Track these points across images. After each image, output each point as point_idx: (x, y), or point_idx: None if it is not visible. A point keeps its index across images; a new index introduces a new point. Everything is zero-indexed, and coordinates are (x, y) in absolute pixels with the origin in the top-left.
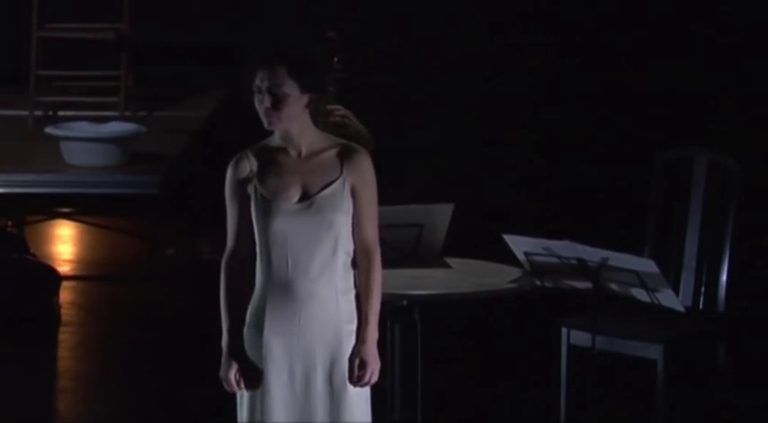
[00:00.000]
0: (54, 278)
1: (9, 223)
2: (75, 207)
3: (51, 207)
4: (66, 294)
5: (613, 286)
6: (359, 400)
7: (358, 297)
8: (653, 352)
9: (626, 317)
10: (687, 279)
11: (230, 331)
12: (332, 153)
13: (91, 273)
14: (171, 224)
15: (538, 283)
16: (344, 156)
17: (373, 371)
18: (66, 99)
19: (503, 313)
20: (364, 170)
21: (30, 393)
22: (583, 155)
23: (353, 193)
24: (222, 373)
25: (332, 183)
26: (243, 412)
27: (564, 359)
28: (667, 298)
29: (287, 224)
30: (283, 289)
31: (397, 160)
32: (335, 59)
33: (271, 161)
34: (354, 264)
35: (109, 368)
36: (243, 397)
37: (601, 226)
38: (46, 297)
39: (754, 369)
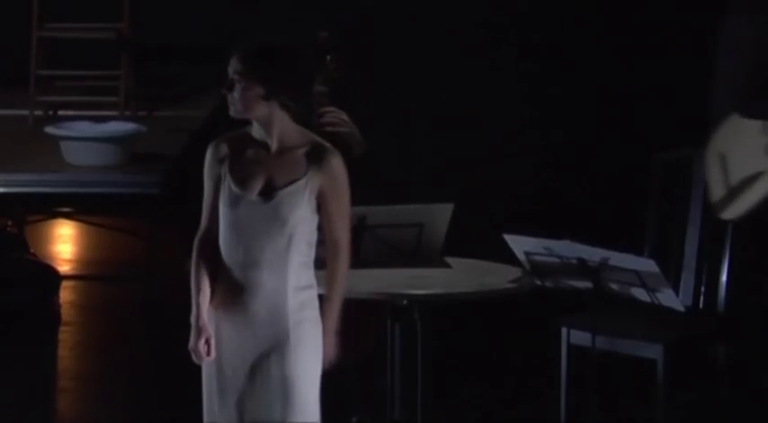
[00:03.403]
0: (54, 278)
1: (9, 223)
2: (75, 207)
3: (51, 207)
4: (66, 294)
5: (614, 286)
6: (306, 396)
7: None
8: (653, 352)
9: (626, 317)
10: (687, 279)
11: (198, 305)
12: (301, 151)
13: (91, 273)
14: (171, 224)
15: (538, 282)
16: (313, 155)
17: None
18: (67, 99)
19: (503, 313)
20: (333, 171)
21: (30, 393)
22: (583, 155)
23: (321, 194)
24: (191, 343)
25: (295, 181)
26: (204, 407)
27: (564, 359)
28: (667, 298)
29: (244, 214)
30: (235, 276)
31: (397, 160)
32: (328, 58)
33: (243, 150)
34: (318, 263)
35: (109, 368)
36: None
37: (601, 226)
38: (46, 297)
39: (754, 369)
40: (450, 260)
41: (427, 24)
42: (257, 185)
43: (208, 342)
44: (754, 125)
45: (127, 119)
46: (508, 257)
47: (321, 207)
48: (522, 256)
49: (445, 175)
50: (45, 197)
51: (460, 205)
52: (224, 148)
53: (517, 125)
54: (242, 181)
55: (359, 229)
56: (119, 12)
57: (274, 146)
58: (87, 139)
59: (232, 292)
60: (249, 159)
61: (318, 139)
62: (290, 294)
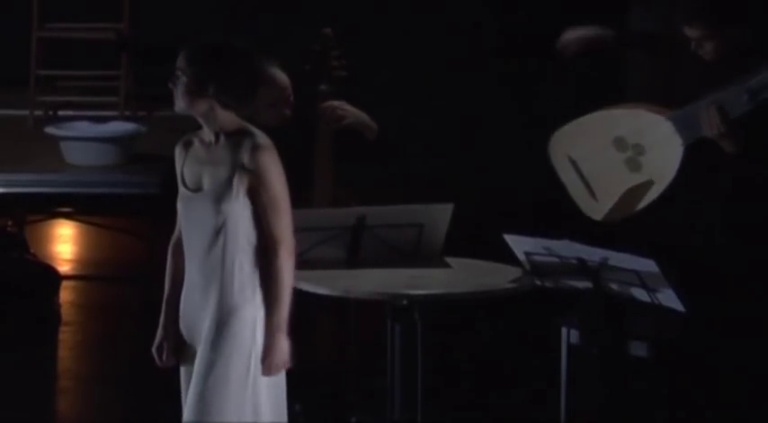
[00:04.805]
0: (54, 278)
1: (9, 223)
2: (75, 207)
3: (51, 207)
4: (66, 294)
5: (614, 286)
6: (222, 395)
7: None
8: (653, 352)
9: (625, 317)
10: None
11: (165, 306)
12: (233, 146)
13: (91, 273)
14: (171, 224)
15: (538, 282)
16: (243, 150)
17: (274, 363)
18: (67, 99)
19: (502, 313)
20: (263, 165)
21: (30, 393)
22: None
23: (252, 188)
24: (154, 346)
25: (224, 175)
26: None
27: (564, 359)
28: (667, 298)
29: (185, 210)
30: (188, 272)
31: (397, 160)
32: (332, 55)
33: (192, 147)
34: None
35: (109, 368)
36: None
37: (600, 226)
38: (46, 297)
39: (754, 368)
40: (450, 260)
41: (428, 24)
42: (194, 181)
43: (164, 346)
44: (594, 124)
45: (127, 119)
46: (508, 257)
47: (254, 202)
48: (521, 256)
49: (445, 175)
50: (45, 197)
51: (460, 205)
52: (181, 149)
53: (517, 125)
54: (186, 178)
55: (359, 229)
56: (119, 12)
57: (213, 143)
58: (87, 139)
59: (188, 289)
60: (192, 156)
61: (257, 133)
62: (230, 290)
